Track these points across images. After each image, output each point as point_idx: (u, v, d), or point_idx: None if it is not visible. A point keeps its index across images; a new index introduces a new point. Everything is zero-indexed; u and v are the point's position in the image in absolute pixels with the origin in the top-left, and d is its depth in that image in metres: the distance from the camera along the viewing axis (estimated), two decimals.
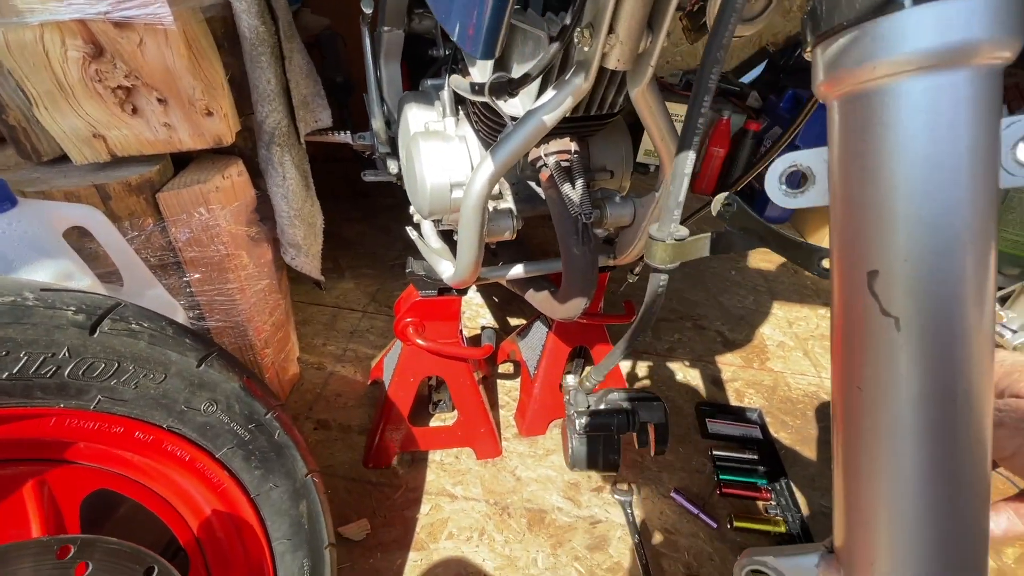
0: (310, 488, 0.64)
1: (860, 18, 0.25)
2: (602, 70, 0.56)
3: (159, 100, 0.73)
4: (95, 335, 0.46)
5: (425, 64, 1.02)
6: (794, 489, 1.07)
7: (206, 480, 0.56)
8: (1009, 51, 0.24)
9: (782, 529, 0.98)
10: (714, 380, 1.34)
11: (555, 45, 0.50)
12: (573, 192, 0.72)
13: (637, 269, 1.04)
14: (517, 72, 0.62)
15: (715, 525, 0.99)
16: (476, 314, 1.50)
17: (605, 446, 0.64)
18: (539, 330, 1.16)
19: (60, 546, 0.41)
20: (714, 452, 1.13)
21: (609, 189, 0.86)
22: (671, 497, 1.04)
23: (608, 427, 0.63)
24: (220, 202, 0.84)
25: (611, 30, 0.51)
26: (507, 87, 0.54)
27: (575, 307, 0.80)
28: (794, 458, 1.15)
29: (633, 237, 0.85)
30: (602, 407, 0.69)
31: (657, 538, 0.97)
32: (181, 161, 0.87)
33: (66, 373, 0.44)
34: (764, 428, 1.21)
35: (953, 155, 0.24)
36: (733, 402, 1.28)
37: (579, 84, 0.55)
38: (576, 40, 0.52)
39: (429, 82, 0.89)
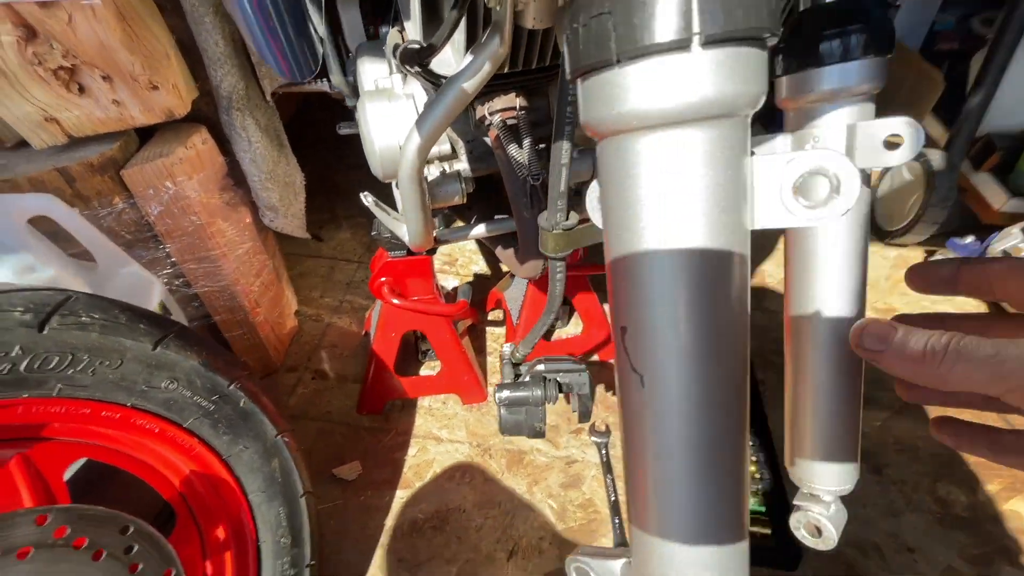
0: (280, 447, 0.71)
1: (603, 65, 0.22)
2: (522, 29, 0.52)
3: (103, 78, 0.73)
4: (44, 332, 0.50)
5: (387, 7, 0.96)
6: (770, 429, 1.09)
7: (178, 447, 0.63)
8: (749, 107, 0.22)
9: (751, 468, 1.02)
10: None
11: (454, 12, 0.46)
12: (519, 152, 0.69)
13: None
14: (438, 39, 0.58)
15: None
16: (469, 260, 1.51)
17: (529, 415, 0.66)
18: (520, 282, 1.17)
19: (38, 515, 0.47)
20: None
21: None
22: None
23: (526, 400, 0.65)
24: (186, 173, 0.85)
25: None
26: (416, 56, 0.51)
27: (533, 268, 0.80)
28: (775, 402, 1.16)
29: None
30: (527, 379, 0.70)
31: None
32: (148, 133, 0.88)
33: (22, 368, 0.49)
34: (752, 369, 1.21)
35: (701, 211, 0.23)
36: None
37: (495, 48, 0.51)
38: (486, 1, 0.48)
39: (385, 29, 0.84)
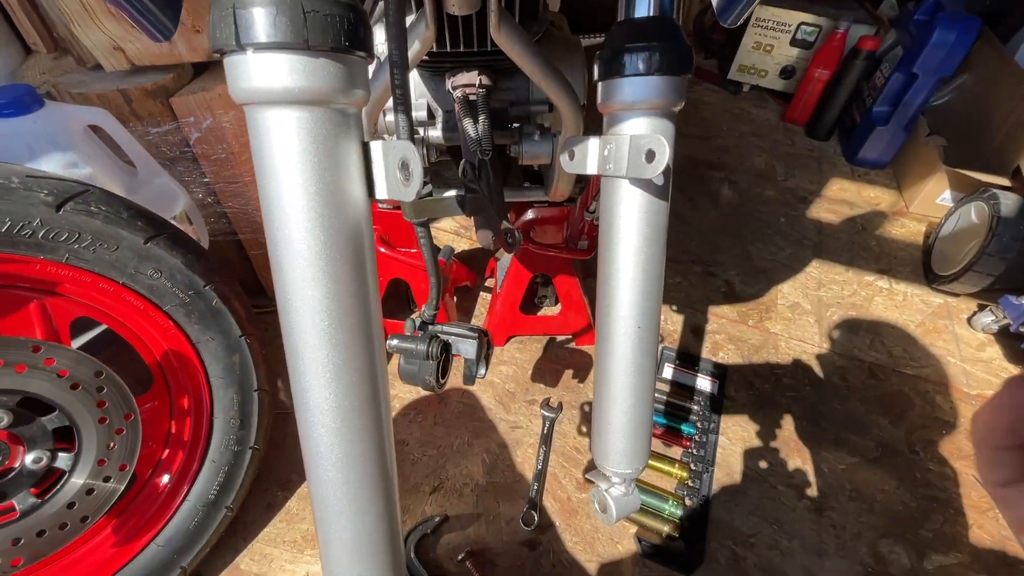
0: (242, 346, 0.85)
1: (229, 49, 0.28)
2: (449, 14, 0.57)
3: None
4: (60, 212, 0.66)
5: None
6: (718, 448, 1.08)
7: (157, 325, 0.78)
8: (343, 101, 0.29)
9: (683, 475, 1.03)
10: (695, 329, 1.32)
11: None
12: (472, 127, 0.75)
13: (593, 207, 1.04)
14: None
15: None
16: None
17: (421, 369, 0.72)
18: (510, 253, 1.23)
19: (34, 346, 0.64)
20: (657, 395, 1.16)
21: (533, 126, 0.85)
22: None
23: (411, 352, 0.70)
24: (223, 108, 1.00)
25: None
26: None
27: (484, 236, 0.86)
28: (740, 419, 1.14)
29: (554, 175, 0.86)
30: (420, 335, 0.74)
31: (564, 452, 1.08)
32: (202, 70, 1.03)
33: (40, 236, 0.65)
34: (723, 384, 1.19)
35: (305, 176, 0.29)
36: (706, 354, 1.27)
37: (422, 31, 0.58)
38: None
39: None
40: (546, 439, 1.09)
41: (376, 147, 0.31)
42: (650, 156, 0.36)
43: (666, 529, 0.95)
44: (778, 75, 2.10)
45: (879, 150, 1.79)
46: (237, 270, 1.27)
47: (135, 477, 0.78)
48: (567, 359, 1.24)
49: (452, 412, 1.14)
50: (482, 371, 0.73)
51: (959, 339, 1.31)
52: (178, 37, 0.90)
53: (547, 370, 1.22)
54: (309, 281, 0.30)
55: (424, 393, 1.17)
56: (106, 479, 0.71)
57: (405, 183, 0.31)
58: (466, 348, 0.71)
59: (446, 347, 0.71)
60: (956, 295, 1.40)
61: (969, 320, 1.34)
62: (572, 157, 0.45)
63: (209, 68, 1.03)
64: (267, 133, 0.29)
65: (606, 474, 0.50)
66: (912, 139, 1.73)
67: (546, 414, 1.12)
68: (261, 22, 0.26)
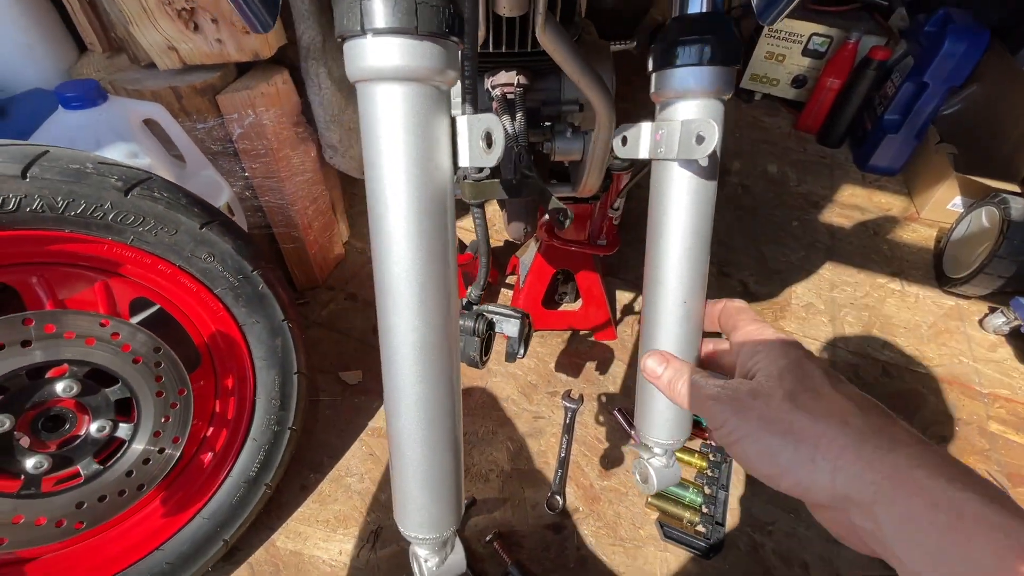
0: (285, 330, 0.89)
1: (354, 34, 0.33)
2: (501, 16, 0.62)
3: (212, 20, 0.93)
4: (128, 197, 0.70)
5: None
6: None
7: (208, 307, 0.83)
8: (439, 80, 0.34)
9: (703, 464, 1.05)
10: None
11: None
12: (510, 124, 0.79)
13: (617, 204, 1.08)
14: None
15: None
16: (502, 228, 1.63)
17: (467, 345, 0.75)
18: (533, 249, 1.27)
19: (103, 319, 0.68)
20: None
21: (565, 124, 0.90)
22: (614, 414, 1.15)
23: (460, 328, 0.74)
24: (265, 105, 1.05)
25: None
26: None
27: (516, 229, 0.91)
28: None
29: (584, 171, 0.90)
30: (468, 312, 0.78)
31: (586, 441, 1.11)
32: (246, 69, 1.09)
33: (109, 218, 0.69)
34: None
35: (407, 143, 0.33)
36: None
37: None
38: None
39: None
40: (568, 428, 1.12)
41: (462, 120, 0.36)
42: (700, 139, 0.40)
43: (687, 515, 0.98)
44: (790, 84, 2.15)
45: (890, 157, 1.83)
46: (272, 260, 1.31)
47: (182, 453, 0.81)
48: (587, 353, 1.28)
49: (476, 402, 1.18)
50: (522, 351, 0.77)
51: (971, 340, 1.34)
52: (228, 38, 0.96)
53: (568, 363, 1.26)
54: (401, 229, 0.35)
55: None
56: (161, 450, 0.75)
57: (487, 151, 0.36)
58: (510, 328, 0.75)
59: (491, 325, 0.75)
60: (968, 297, 1.43)
61: (981, 322, 1.37)
62: (625, 143, 0.49)
63: (252, 68, 1.08)
64: (377, 106, 0.33)
65: (648, 444, 0.53)
66: (923, 147, 1.77)
67: (568, 405, 1.16)
68: (380, 11, 0.31)
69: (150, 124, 0.92)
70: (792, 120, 2.14)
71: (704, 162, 0.43)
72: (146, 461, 0.74)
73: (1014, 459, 1.10)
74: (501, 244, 1.57)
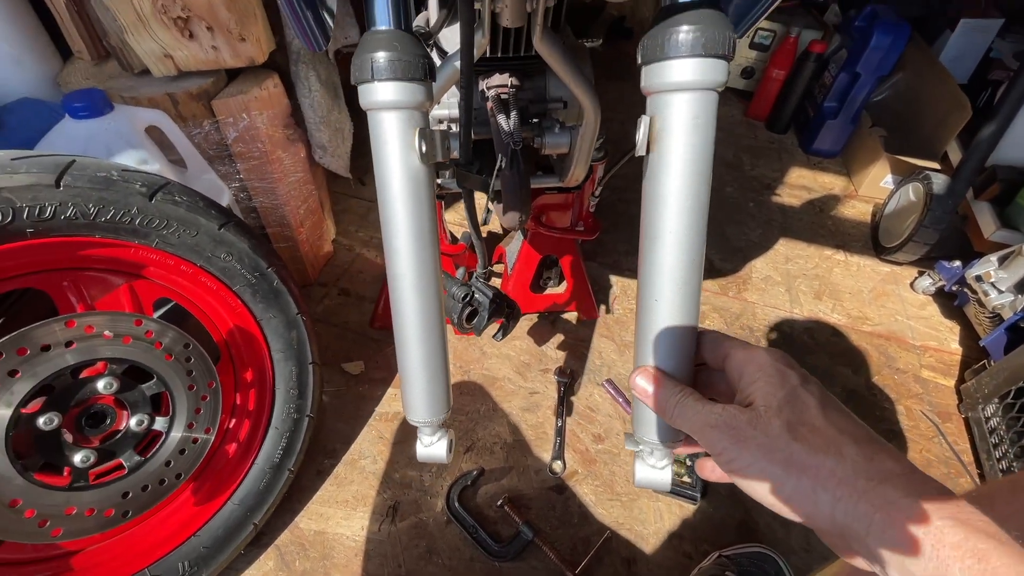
0: (299, 323, 0.94)
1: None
2: (501, 26, 0.69)
3: (207, 28, 0.96)
4: (152, 201, 0.74)
5: None
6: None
7: (227, 304, 0.87)
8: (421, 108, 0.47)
9: None
10: None
11: (443, 11, 0.65)
12: (506, 122, 0.87)
13: (597, 191, 1.18)
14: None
15: (629, 412, 1.21)
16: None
17: (451, 308, 0.84)
18: (519, 238, 1.35)
19: (136, 319, 0.72)
20: None
21: (552, 120, 0.98)
22: (602, 385, 1.26)
23: (448, 291, 0.84)
24: (258, 108, 1.09)
25: None
26: (425, 38, 0.70)
27: (511, 219, 0.98)
28: None
29: (571, 163, 0.99)
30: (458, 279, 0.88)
31: (579, 411, 1.22)
32: (235, 74, 1.11)
33: (136, 223, 0.73)
34: None
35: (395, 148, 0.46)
36: None
37: (479, 39, 0.70)
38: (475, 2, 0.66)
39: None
40: (562, 400, 1.22)
41: (426, 131, 0.47)
42: (694, 123, 0.42)
43: (674, 468, 1.10)
44: (739, 75, 2.31)
45: (831, 141, 2.01)
46: None
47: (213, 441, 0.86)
48: (574, 331, 1.38)
49: (476, 383, 1.25)
50: (498, 335, 0.85)
51: (904, 300, 1.52)
52: (223, 45, 0.99)
53: (557, 342, 1.35)
54: (397, 204, 0.48)
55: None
56: (194, 440, 0.79)
57: (431, 152, 0.48)
58: (481, 301, 0.83)
59: (471, 296, 0.82)
60: (900, 264, 1.62)
61: (912, 284, 1.56)
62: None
63: (242, 73, 1.11)
64: (380, 124, 0.47)
65: (641, 443, 0.48)
66: (858, 130, 1.96)
67: (560, 379, 1.25)
68: (383, 66, 0.43)
69: (151, 131, 0.95)
70: (743, 109, 2.31)
71: (696, 163, 0.43)
72: (182, 451, 0.78)
73: (943, 400, 1.28)
74: (485, 236, 1.65)
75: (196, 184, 1.02)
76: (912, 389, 1.30)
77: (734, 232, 1.71)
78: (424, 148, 0.46)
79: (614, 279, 1.52)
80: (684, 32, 0.40)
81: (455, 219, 1.66)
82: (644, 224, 0.45)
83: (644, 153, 0.44)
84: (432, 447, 0.58)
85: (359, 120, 1.37)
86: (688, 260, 0.43)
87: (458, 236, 1.35)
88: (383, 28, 0.46)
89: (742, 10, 0.52)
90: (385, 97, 0.46)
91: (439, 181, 1.03)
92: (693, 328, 0.43)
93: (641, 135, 0.44)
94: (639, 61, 0.44)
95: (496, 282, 1.50)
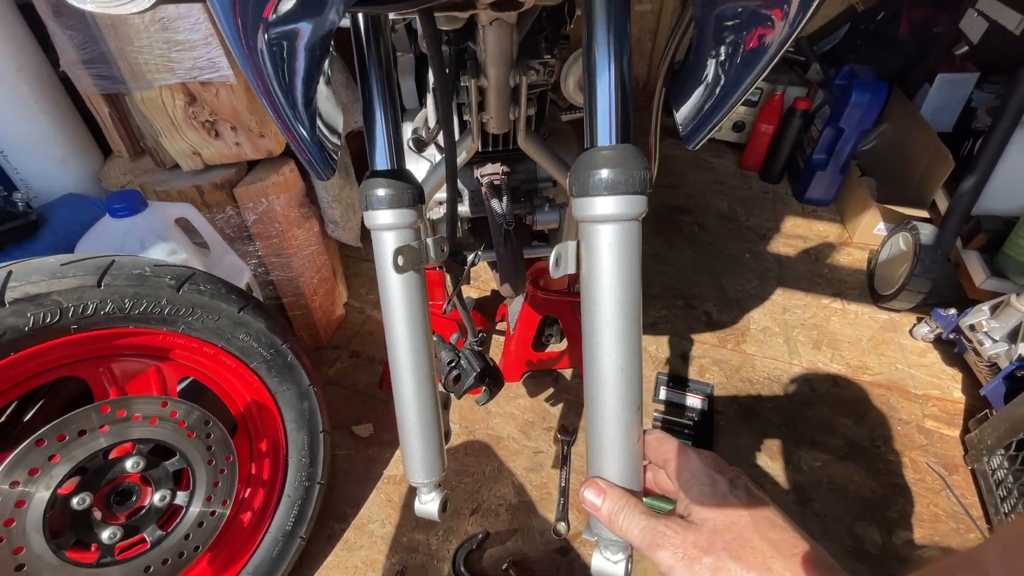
0: (311, 394, 1.00)
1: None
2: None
3: (231, 128, 1.08)
4: (180, 292, 0.82)
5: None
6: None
7: (244, 381, 0.94)
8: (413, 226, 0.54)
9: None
10: (683, 355, 1.51)
11: (436, 126, 0.74)
12: (499, 205, 0.95)
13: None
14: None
15: None
16: (490, 279, 1.78)
17: (440, 367, 0.89)
18: (520, 299, 1.42)
19: (162, 401, 0.79)
20: (655, 414, 1.34)
21: (542, 198, 1.06)
22: None
23: (438, 352, 0.90)
24: (276, 193, 1.19)
25: (482, 109, 0.74)
26: (419, 143, 0.79)
27: (507, 290, 1.05)
28: (729, 430, 1.32)
29: (562, 235, 1.06)
30: (450, 344, 0.94)
31: (582, 470, 1.24)
32: (254, 163, 1.23)
33: (165, 312, 0.81)
34: (711, 400, 1.38)
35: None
36: (693, 376, 1.46)
37: (469, 143, 0.79)
38: (464, 116, 0.76)
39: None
40: (565, 460, 1.24)
41: (403, 249, 0.55)
42: (619, 250, 0.45)
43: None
44: (731, 129, 2.42)
45: (822, 190, 2.08)
46: None
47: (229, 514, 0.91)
48: (576, 388, 1.42)
49: (480, 443, 1.29)
50: (482, 398, 0.90)
51: (904, 348, 1.54)
52: (244, 141, 1.10)
53: (559, 399, 1.39)
54: (395, 296, 0.57)
55: (453, 430, 1.32)
56: (212, 512, 0.84)
57: (404, 265, 0.55)
58: (466, 368, 0.88)
59: (456, 360, 0.88)
60: (897, 311, 1.64)
61: (911, 331, 1.58)
62: (558, 263, 0.50)
63: (260, 162, 1.23)
64: (380, 239, 0.55)
65: (599, 536, 0.47)
66: (848, 180, 2.02)
67: (563, 438, 1.28)
68: (377, 199, 0.53)
69: (180, 220, 1.05)
70: (736, 160, 2.40)
71: (624, 287, 0.45)
72: (200, 524, 0.83)
73: (948, 451, 1.28)
74: (488, 293, 1.72)
75: (218, 265, 1.11)
76: (916, 440, 1.30)
77: (731, 284, 1.76)
78: (401, 262, 0.54)
79: None
80: (605, 173, 0.44)
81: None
82: (583, 339, 0.47)
83: (574, 271, 0.49)
84: (427, 504, 0.65)
85: None
86: (626, 376, 0.44)
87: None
88: (380, 169, 0.57)
89: (696, 125, 0.60)
90: (379, 222, 0.56)
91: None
92: (638, 435, 0.44)
93: (570, 256, 0.49)
94: (570, 193, 0.47)
95: (500, 340, 1.56)
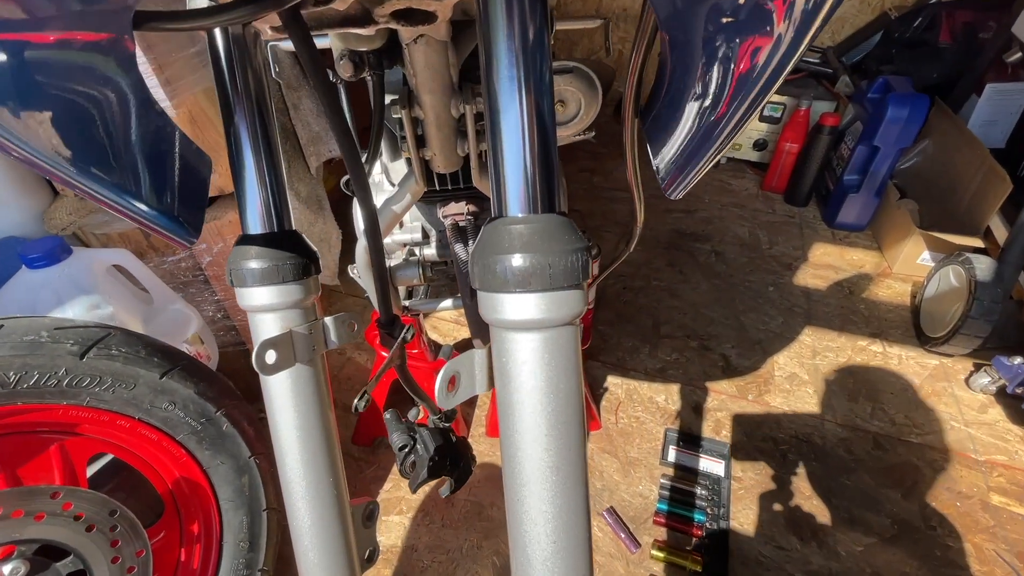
0: (251, 467, 0.87)
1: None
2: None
3: None
4: (84, 359, 0.70)
5: None
6: (730, 535, 1.07)
7: (170, 455, 0.81)
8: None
9: (697, 568, 1.01)
10: (696, 407, 1.33)
11: (369, 164, 0.61)
12: (463, 251, 0.81)
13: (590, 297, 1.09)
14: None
15: (634, 551, 1.05)
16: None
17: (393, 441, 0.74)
18: None
19: (53, 492, 0.66)
20: (662, 480, 1.16)
21: None
22: (602, 515, 1.11)
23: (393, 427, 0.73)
24: (232, 233, 1.08)
25: (423, 145, 0.60)
26: (348, 186, 0.67)
27: (478, 343, 0.91)
28: (748, 501, 1.13)
29: None
30: (412, 422, 0.76)
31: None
32: (209, 201, 1.12)
33: (64, 384, 0.69)
34: (728, 465, 1.19)
35: None
36: (708, 433, 1.27)
37: (412, 184, 0.65)
38: (403, 154, 0.63)
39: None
40: None
41: (270, 341, 0.46)
42: (543, 366, 0.33)
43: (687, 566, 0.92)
44: (752, 147, 2.24)
45: (855, 214, 1.87)
46: (244, 376, 1.31)
47: None
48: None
49: (460, 513, 1.13)
50: (446, 491, 0.73)
51: (960, 401, 1.32)
52: None
53: None
54: (276, 397, 0.49)
55: (429, 494, 1.17)
56: None
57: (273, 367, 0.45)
58: (421, 454, 0.72)
59: (410, 444, 0.72)
60: (950, 356, 1.42)
61: (967, 381, 1.36)
62: (451, 387, 0.37)
63: (218, 199, 1.12)
64: (254, 323, 0.47)
65: None
66: (885, 203, 1.82)
67: None
68: (248, 273, 0.45)
69: (119, 267, 0.94)
70: (758, 181, 2.21)
71: (554, 413, 0.35)
72: None
73: (1021, 535, 1.06)
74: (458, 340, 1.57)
75: (162, 316, 1.00)
76: (981, 521, 1.08)
77: (752, 322, 1.57)
78: (271, 360, 0.41)
79: (618, 381, 1.39)
80: (517, 260, 0.31)
81: (444, 325, 1.60)
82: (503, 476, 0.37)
83: (484, 391, 0.37)
84: None
85: (347, 227, 1.36)
86: (560, 547, 0.36)
87: (441, 347, 1.28)
88: (252, 232, 0.46)
89: (676, 169, 0.45)
90: (251, 302, 0.45)
91: (406, 304, 0.98)
92: None
93: (477, 374, 0.37)
94: (473, 284, 0.35)
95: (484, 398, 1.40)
